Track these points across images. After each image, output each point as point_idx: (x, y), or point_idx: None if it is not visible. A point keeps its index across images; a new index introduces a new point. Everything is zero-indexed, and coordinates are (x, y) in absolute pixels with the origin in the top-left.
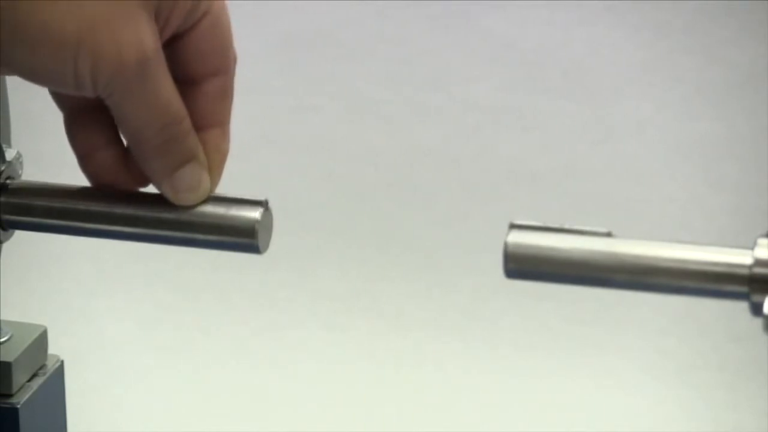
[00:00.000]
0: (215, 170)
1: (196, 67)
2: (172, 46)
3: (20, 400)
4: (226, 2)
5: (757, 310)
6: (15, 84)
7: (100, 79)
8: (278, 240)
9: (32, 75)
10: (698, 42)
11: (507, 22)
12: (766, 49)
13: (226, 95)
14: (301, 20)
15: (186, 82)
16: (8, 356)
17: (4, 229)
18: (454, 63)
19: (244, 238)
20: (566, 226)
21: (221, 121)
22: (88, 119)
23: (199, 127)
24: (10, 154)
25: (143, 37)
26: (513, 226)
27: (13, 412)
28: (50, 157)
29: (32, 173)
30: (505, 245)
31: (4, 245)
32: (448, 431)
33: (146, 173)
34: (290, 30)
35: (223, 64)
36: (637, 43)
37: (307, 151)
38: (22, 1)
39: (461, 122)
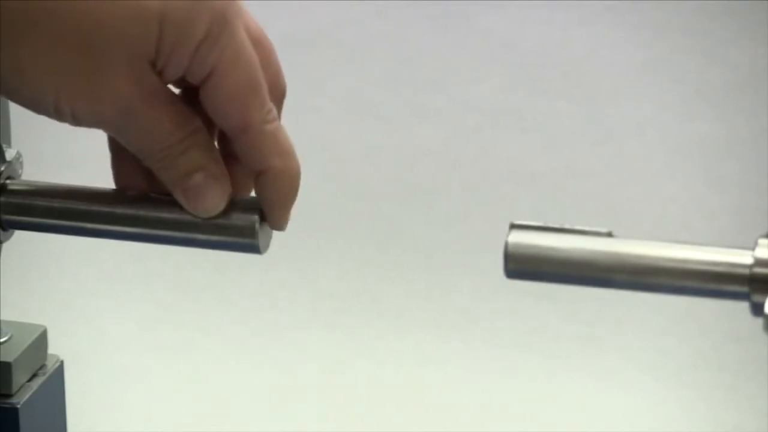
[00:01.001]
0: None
1: (217, 122)
2: (198, 94)
3: (20, 400)
4: (247, 59)
5: (757, 310)
6: None
7: (84, 124)
8: (278, 240)
9: (23, 104)
10: (698, 42)
11: (507, 22)
12: (766, 50)
13: (251, 150)
14: (301, 20)
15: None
16: (8, 356)
17: (4, 229)
18: (454, 63)
19: (245, 238)
20: (567, 226)
21: (257, 165)
22: None
23: (228, 159)
24: (10, 154)
25: (121, 91)
26: (513, 226)
27: (13, 412)
28: (50, 157)
29: (32, 173)
30: (506, 245)
31: (4, 245)
32: (448, 431)
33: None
34: (290, 30)
35: (241, 122)
36: (637, 44)
37: (307, 151)
38: (5, 48)
39: (461, 123)
